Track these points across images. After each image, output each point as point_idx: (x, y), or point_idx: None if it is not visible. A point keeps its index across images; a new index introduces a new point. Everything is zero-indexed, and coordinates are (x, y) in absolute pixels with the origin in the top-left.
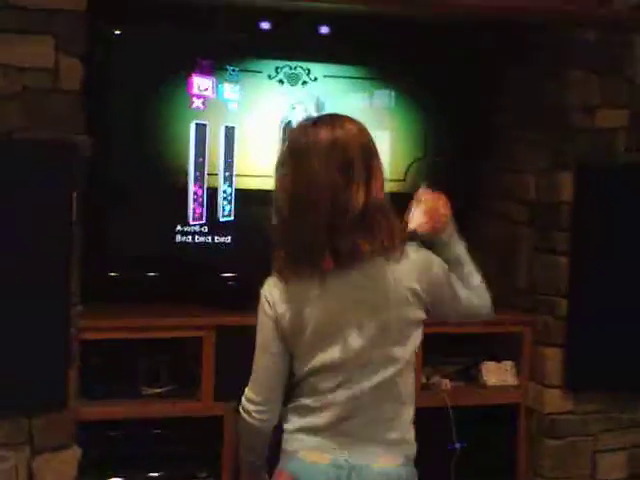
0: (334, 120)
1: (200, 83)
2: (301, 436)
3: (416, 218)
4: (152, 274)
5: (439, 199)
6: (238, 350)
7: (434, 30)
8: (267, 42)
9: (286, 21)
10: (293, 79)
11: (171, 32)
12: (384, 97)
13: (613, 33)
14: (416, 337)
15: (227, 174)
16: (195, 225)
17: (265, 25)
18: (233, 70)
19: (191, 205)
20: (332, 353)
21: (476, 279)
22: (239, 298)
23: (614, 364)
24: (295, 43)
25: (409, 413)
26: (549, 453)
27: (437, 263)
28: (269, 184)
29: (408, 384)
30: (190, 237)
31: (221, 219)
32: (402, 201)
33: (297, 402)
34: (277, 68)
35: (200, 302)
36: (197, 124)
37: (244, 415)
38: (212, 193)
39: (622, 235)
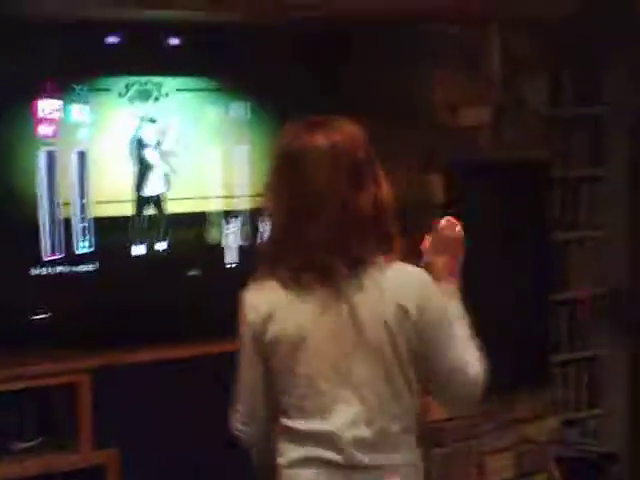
0: (330, 122)
1: (46, 106)
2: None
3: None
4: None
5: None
6: (118, 391)
7: (289, 37)
8: (115, 57)
9: (133, 34)
10: (144, 95)
11: (11, 52)
12: (240, 110)
13: (470, 28)
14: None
15: (82, 202)
16: (51, 261)
17: (112, 39)
18: (81, 89)
19: (44, 240)
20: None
21: (474, 349)
22: (112, 335)
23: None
24: (144, 57)
25: None
26: (435, 460)
27: (440, 295)
28: (128, 209)
29: None
30: (46, 272)
31: (78, 251)
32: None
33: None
34: (127, 85)
35: (66, 342)
36: (47, 152)
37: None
38: (67, 224)
39: (492, 233)
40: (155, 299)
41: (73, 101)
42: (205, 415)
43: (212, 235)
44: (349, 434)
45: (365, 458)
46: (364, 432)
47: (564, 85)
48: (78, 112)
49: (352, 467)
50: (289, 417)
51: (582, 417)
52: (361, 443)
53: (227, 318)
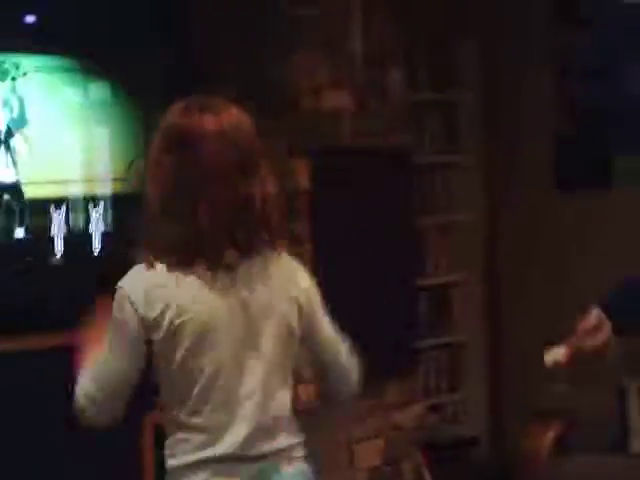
0: (218, 105)
1: None
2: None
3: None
4: None
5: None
6: None
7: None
8: None
9: None
10: (1, 75)
11: None
12: (100, 90)
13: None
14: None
15: None
16: None
17: None
18: None
19: None
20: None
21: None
22: None
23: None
24: (1, 35)
25: None
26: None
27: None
28: None
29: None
30: None
31: None
32: (124, 202)
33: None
34: None
35: None
36: None
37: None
38: None
39: (355, 220)
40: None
41: None
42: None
43: (74, 221)
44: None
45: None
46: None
47: (419, 69)
48: None
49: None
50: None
51: (444, 402)
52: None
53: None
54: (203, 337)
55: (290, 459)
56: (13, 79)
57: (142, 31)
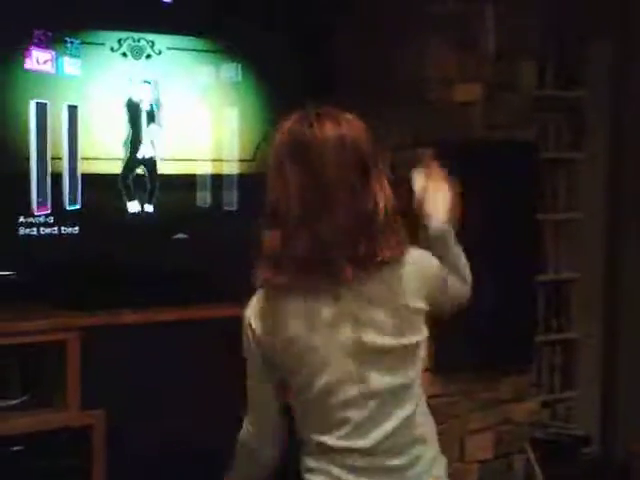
0: (337, 114)
1: (38, 57)
2: None
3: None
4: None
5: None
6: (106, 352)
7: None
8: (108, 12)
9: None
10: (137, 52)
11: (2, 2)
12: (231, 71)
13: (465, 3)
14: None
15: (72, 158)
16: (39, 216)
17: None
18: (72, 42)
19: (34, 194)
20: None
21: (463, 260)
22: (100, 295)
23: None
24: (138, 13)
25: None
26: None
27: (434, 262)
28: (117, 168)
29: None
30: (35, 229)
31: (67, 207)
32: (253, 183)
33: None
34: (120, 40)
35: (56, 301)
36: (37, 103)
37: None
38: (56, 179)
39: (478, 213)
40: (143, 261)
41: (65, 54)
42: (194, 379)
43: (201, 198)
44: None
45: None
46: None
47: (548, 67)
48: (69, 65)
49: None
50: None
51: (557, 399)
52: None
53: (213, 282)
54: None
55: None
56: (148, 57)
57: (274, 14)
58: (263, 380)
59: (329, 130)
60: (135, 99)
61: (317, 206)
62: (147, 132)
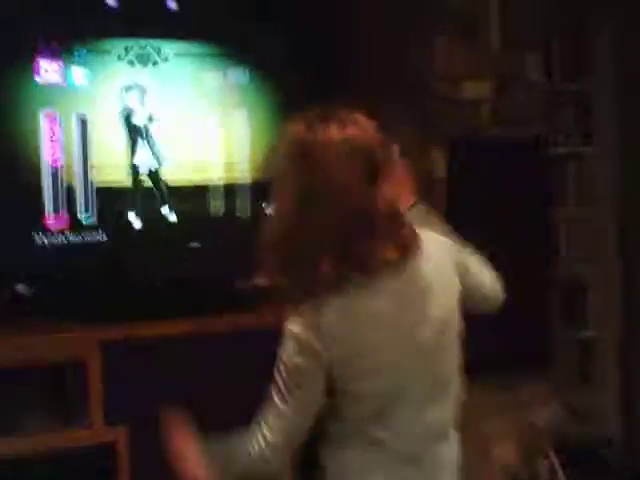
0: (343, 114)
1: (46, 67)
2: None
3: None
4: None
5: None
6: (127, 365)
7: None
8: (114, 20)
9: None
10: (144, 59)
11: (11, 12)
12: (238, 74)
13: None
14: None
15: (83, 168)
16: (54, 228)
17: (111, 1)
18: (79, 52)
19: (48, 205)
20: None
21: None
22: (121, 307)
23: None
24: (144, 20)
25: None
26: None
27: (454, 245)
28: (125, 176)
29: None
30: (49, 241)
31: (84, 221)
32: (261, 187)
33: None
34: (127, 47)
35: (73, 315)
36: (47, 114)
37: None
38: (69, 189)
39: (489, 209)
40: (159, 271)
41: (73, 63)
42: (217, 393)
43: (214, 204)
44: None
45: None
46: None
47: (554, 59)
48: (77, 74)
49: None
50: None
51: (577, 401)
52: None
53: (232, 291)
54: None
55: None
56: (155, 64)
57: (281, 16)
58: (311, 396)
59: (335, 132)
60: (135, 108)
61: (325, 208)
62: (150, 142)
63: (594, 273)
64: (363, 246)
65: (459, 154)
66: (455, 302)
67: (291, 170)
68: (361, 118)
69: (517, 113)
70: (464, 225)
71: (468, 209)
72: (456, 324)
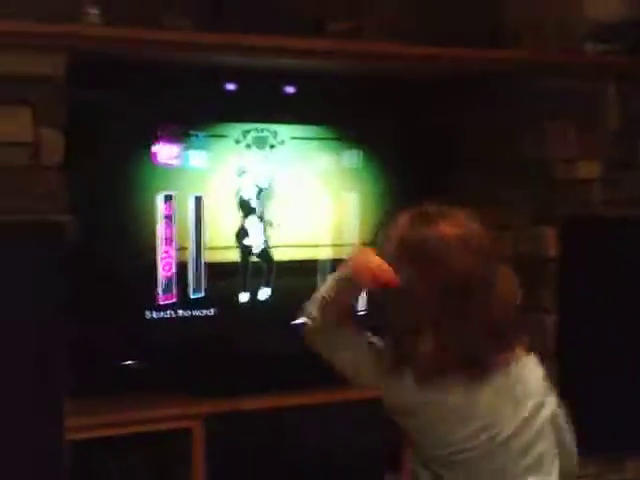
0: (452, 214)
1: (165, 151)
2: None
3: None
4: (121, 362)
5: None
6: (232, 438)
7: (398, 85)
8: (232, 104)
9: (250, 81)
10: (261, 142)
11: (130, 98)
12: (352, 157)
13: (583, 81)
14: None
15: (197, 248)
16: (165, 304)
17: (230, 86)
18: (198, 135)
19: (161, 283)
20: None
21: None
22: (227, 381)
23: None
24: (261, 104)
25: None
26: None
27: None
28: (237, 255)
29: None
30: (159, 316)
31: (192, 296)
32: None
33: None
34: (244, 131)
35: (178, 389)
36: (165, 196)
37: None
38: (182, 268)
39: (609, 291)
40: (265, 346)
41: (191, 147)
42: (323, 466)
43: (321, 281)
44: None
45: None
46: None
47: None
48: (195, 158)
49: None
50: None
51: None
52: None
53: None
54: None
55: None
56: (272, 147)
57: (391, 103)
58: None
59: (448, 230)
60: (250, 190)
61: (437, 311)
62: (263, 222)
63: None
64: None
65: (569, 234)
66: None
67: (406, 267)
68: (466, 215)
69: (628, 193)
70: (577, 307)
71: (580, 290)
72: None
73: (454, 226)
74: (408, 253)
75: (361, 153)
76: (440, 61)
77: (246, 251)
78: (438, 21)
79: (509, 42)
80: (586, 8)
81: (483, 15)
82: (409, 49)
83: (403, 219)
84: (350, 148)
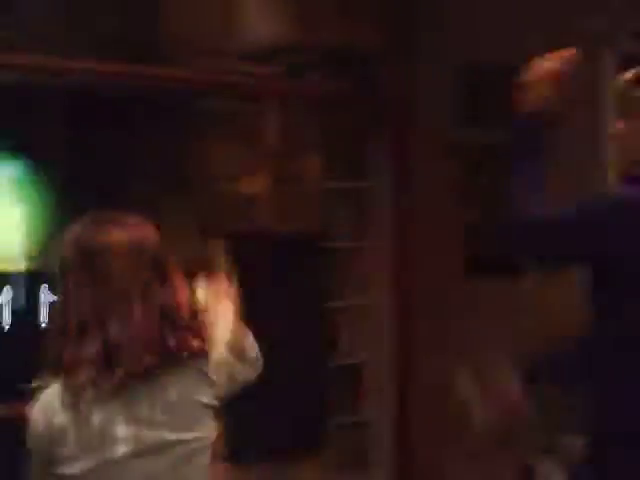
0: (120, 218)
1: None
2: None
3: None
4: None
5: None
6: None
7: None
8: None
9: None
10: None
11: None
12: (13, 170)
13: (245, 102)
14: None
15: None
16: None
17: None
18: None
19: None
20: None
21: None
22: None
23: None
24: None
25: None
26: None
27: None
28: None
29: None
30: None
31: None
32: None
33: None
34: None
35: None
36: None
37: None
38: None
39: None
40: None
41: None
42: None
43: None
44: None
45: None
46: None
47: (332, 161)
48: None
49: None
50: None
51: None
52: None
53: None
54: None
55: None
56: None
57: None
58: None
59: (115, 235)
60: None
61: (102, 313)
62: None
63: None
64: None
65: (235, 247)
66: None
67: (74, 271)
68: (139, 221)
69: (292, 209)
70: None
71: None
72: None
73: (124, 230)
74: (75, 256)
75: (22, 165)
76: (98, 75)
77: None
78: (94, 32)
79: (167, 60)
80: (242, 29)
81: (142, 30)
82: (66, 63)
83: (78, 224)
84: (10, 160)
